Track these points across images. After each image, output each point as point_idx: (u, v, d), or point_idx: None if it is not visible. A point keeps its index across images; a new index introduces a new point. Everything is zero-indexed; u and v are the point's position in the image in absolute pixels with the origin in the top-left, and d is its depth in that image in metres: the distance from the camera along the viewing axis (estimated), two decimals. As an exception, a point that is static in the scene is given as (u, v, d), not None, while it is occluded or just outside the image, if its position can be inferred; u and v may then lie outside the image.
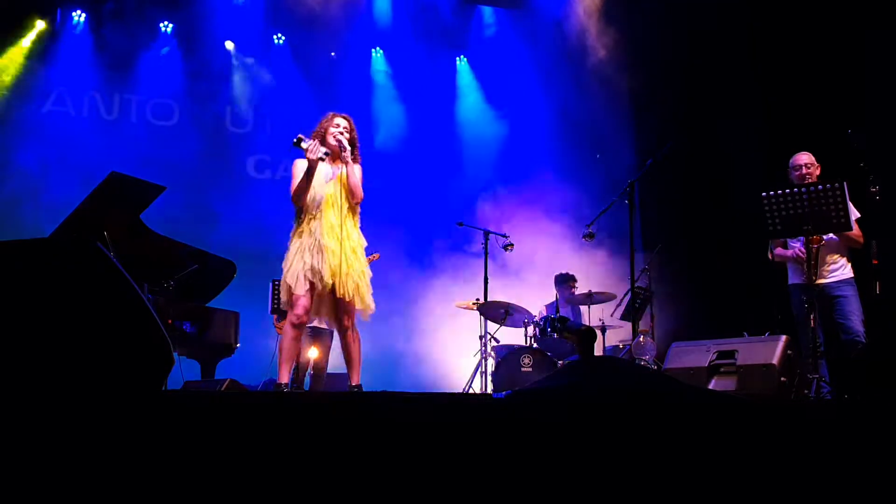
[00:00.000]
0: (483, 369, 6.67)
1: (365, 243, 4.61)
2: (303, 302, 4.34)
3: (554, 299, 7.32)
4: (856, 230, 4.88)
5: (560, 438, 2.27)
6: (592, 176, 9.07)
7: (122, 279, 2.18)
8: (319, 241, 4.36)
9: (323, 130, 4.59)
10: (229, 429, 2.05)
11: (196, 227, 7.85)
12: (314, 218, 4.43)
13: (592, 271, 8.15)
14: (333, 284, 4.33)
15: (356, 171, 4.54)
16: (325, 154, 4.44)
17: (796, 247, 5.07)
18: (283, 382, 4.39)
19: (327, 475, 2.04)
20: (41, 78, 8.61)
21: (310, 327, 6.38)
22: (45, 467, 1.83)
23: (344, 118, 4.67)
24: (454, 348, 8.14)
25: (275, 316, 6.87)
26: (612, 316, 7.35)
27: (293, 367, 4.61)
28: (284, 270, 4.41)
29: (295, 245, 4.42)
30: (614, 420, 2.33)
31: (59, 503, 1.81)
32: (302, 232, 4.43)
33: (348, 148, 4.52)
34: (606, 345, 7.34)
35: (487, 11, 9.82)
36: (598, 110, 9.52)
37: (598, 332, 7.01)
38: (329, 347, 7.07)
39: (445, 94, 9.85)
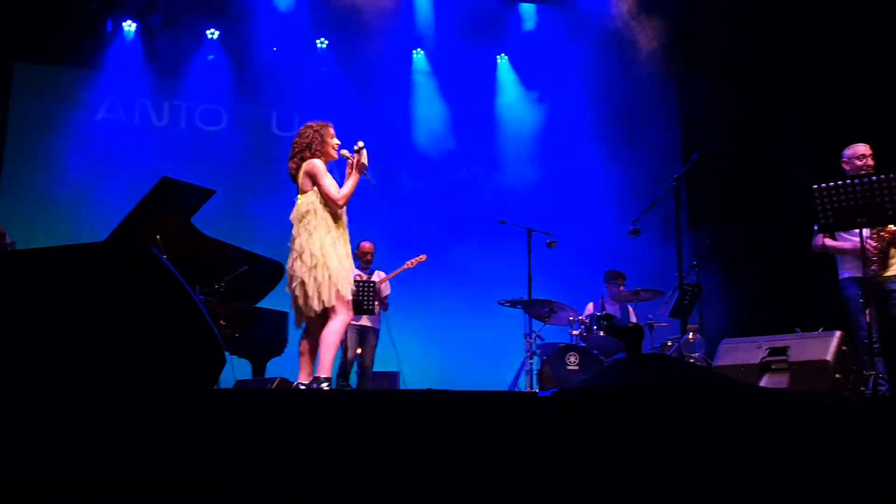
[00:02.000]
0: (528, 368, 6.66)
1: None
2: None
3: (600, 297, 7.26)
4: None
5: (608, 437, 2.26)
6: (637, 171, 8.96)
7: (176, 282, 2.24)
8: (347, 253, 4.47)
9: (325, 138, 4.60)
10: (281, 426, 2.09)
11: (243, 229, 7.99)
12: (342, 227, 4.51)
13: (639, 268, 8.06)
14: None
15: None
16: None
17: (854, 240, 4.92)
18: (323, 378, 4.41)
19: (379, 470, 2.07)
20: (94, 87, 8.87)
21: (357, 325, 6.47)
22: (109, 463, 1.89)
23: (332, 127, 4.72)
24: (498, 347, 8.14)
25: None
26: (660, 313, 7.26)
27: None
28: (335, 270, 4.36)
29: (339, 250, 4.43)
30: (664, 418, 2.31)
31: (122, 495, 1.87)
32: (337, 238, 4.46)
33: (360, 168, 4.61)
34: (655, 342, 7.26)
35: (528, 8, 9.77)
36: (643, 104, 9.41)
37: (647, 330, 6.93)
38: (374, 346, 7.14)
39: (486, 92, 9.84)
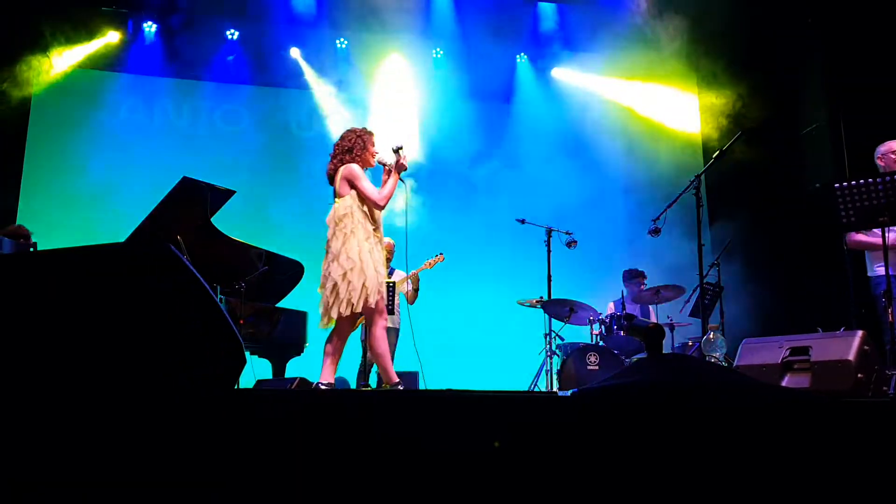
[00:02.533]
0: (549, 367, 6.64)
1: None
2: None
3: (620, 296, 7.23)
4: None
5: (629, 437, 2.25)
6: (658, 169, 8.90)
7: (196, 282, 2.25)
8: (382, 259, 4.53)
9: (367, 144, 4.68)
10: (302, 425, 2.10)
11: (263, 228, 8.04)
12: (379, 231, 4.58)
13: (659, 267, 8.01)
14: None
15: None
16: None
17: (890, 236, 4.87)
18: (396, 381, 4.55)
19: (400, 468, 2.07)
20: (116, 87, 8.95)
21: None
22: (123, 461, 1.91)
23: (373, 135, 4.80)
24: (518, 346, 8.12)
25: None
26: (680, 312, 7.21)
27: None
28: (370, 278, 4.41)
29: (376, 256, 4.48)
30: (685, 418, 2.29)
31: (145, 492, 1.88)
32: (376, 243, 4.52)
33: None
34: (675, 342, 7.21)
35: (548, 8, 9.74)
36: (664, 101, 9.35)
37: (667, 330, 6.89)
38: (394, 345, 7.15)
39: (505, 92, 9.82)
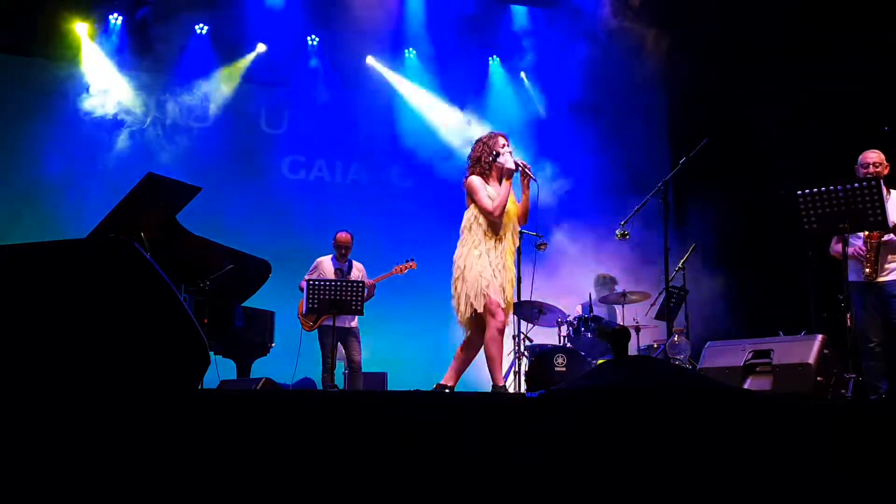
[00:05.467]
0: (517, 369, 6.66)
1: None
2: (504, 311, 4.54)
3: (588, 299, 7.28)
4: None
5: (594, 437, 2.26)
6: (626, 174, 8.98)
7: (159, 280, 2.22)
8: (505, 264, 4.58)
9: (491, 149, 4.70)
10: (266, 427, 2.07)
11: (229, 227, 7.93)
12: (500, 240, 4.61)
13: (627, 271, 8.08)
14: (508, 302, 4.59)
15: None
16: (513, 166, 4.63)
17: (857, 244, 5.00)
18: (501, 385, 4.60)
19: (364, 472, 2.06)
20: (78, 80, 8.74)
21: (338, 327, 6.42)
22: (81, 465, 1.87)
23: (504, 137, 4.81)
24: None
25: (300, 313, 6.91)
26: (646, 315, 7.28)
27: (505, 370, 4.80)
28: (471, 283, 4.50)
29: (484, 261, 4.53)
30: (649, 419, 2.31)
31: (101, 497, 1.85)
32: (489, 250, 4.57)
33: (532, 175, 4.71)
34: (641, 344, 7.28)
35: (520, 11, 9.77)
36: (633, 107, 9.43)
37: (633, 332, 6.95)
38: (359, 341, 7.09)
39: (477, 93, 9.83)
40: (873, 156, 5.08)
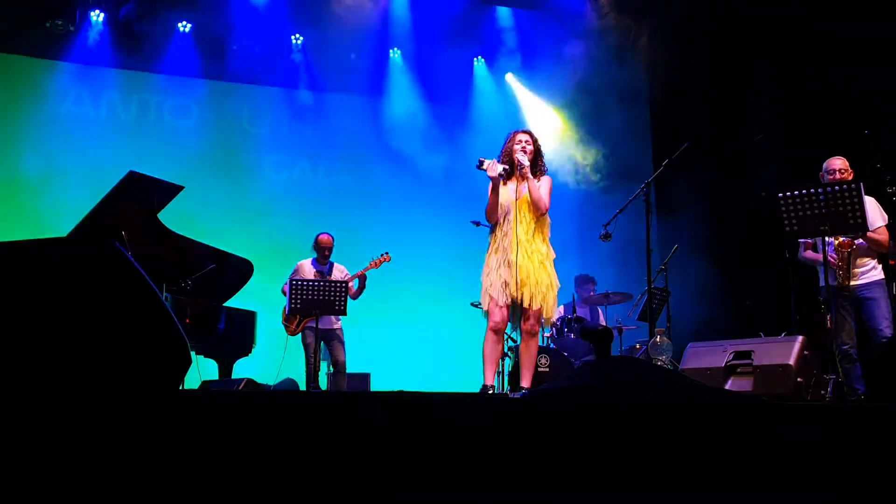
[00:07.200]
0: (500, 369, 6.66)
1: (553, 255, 4.84)
2: (502, 312, 4.59)
3: (571, 300, 7.30)
4: (883, 235, 4.91)
5: (577, 438, 2.27)
6: (609, 177, 9.02)
7: (140, 278, 2.19)
8: (508, 258, 4.61)
9: (509, 150, 4.82)
10: (249, 428, 2.06)
11: (212, 226, 7.87)
12: (505, 235, 4.69)
13: (609, 272, 8.11)
14: (522, 294, 4.59)
15: (541, 183, 4.81)
16: (504, 170, 4.70)
17: (828, 251, 5.04)
18: (489, 385, 4.61)
19: (348, 473, 2.05)
20: (59, 78, 8.65)
21: (321, 328, 6.39)
22: (60, 467, 1.85)
23: (525, 133, 4.91)
24: (470, 348, 8.13)
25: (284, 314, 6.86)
26: (629, 316, 7.32)
27: (495, 370, 4.80)
28: (483, 281, 4.69)
29: (492, 261, 4.69)
30: (631, 420, 2.32)
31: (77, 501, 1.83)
32: (497, 249, 4.70)
33: (526, 165, 4.73)
34: (623, 345, 7.32)
35: (505, 12, 9.79)
36: (616, 110, 9.47)
37: (615, 333, 6.99)
38: (343, 346, 7.05)
39: (462, 94, 9.83)
40: (838, 163, 5.13)
